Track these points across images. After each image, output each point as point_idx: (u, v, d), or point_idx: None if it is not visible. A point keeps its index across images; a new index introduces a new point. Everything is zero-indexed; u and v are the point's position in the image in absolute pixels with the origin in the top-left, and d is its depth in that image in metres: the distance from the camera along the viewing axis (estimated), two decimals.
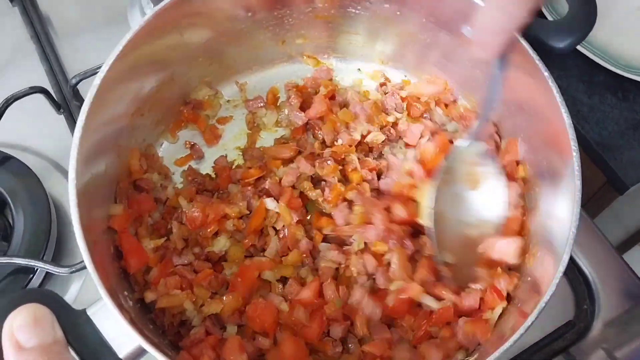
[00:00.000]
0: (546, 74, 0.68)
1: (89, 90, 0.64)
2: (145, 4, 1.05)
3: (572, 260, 0.87)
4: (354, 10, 0.83)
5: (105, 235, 0.68)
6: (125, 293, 0.66)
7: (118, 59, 0.66)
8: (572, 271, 0.86)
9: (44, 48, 1.02)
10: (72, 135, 0.92)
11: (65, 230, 0.89)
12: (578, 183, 0.62)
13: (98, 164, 0.69)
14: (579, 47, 1.12)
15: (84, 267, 0.77)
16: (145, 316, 0.68)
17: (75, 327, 0.54)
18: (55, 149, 0.95)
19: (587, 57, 1.12)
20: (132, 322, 0.55)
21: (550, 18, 1.13)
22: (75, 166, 0.61)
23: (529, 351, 0.79)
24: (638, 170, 1.06)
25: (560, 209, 0.66)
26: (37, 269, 0.81)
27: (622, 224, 1.54)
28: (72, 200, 0.60)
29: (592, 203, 1.20)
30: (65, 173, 0.93)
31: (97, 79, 0.65)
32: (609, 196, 1.15)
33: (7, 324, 0.47)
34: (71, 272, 0.77)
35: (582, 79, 1.14)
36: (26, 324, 0.47)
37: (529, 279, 0.68)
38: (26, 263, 0.78)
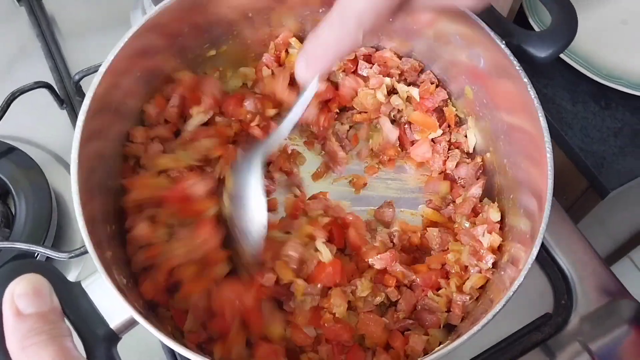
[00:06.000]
0: (525, 80, 0.71)
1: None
2: (147, 6, 1.09)
3: (551, 258, 0.91)
4: None
5: (102, 216, 0.71)
6: (118, 271, 0.68)
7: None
8: (552, 268, 0.90)
9: (49, 46, 1.06)
10: (74, 129, 0.98)
11: (65, 220, 0.93)
12: (550, 182, 0.66)
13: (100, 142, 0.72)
14: (564, 57, 1.17)
15: (83, 253, 0.81)
16: (136, 292, 0.71)
17: (70, 297, 0.56)
18: (58, 143, 0.98)
19: (572, 67, 1.17)
20: (124, 294, 0.58)
21: (537, 29, 1.18)
22: (77, 146, 0.65)
23: (508, 340, 0.82)
24: (619, 175, 1.10)
25: (535, 206, 0.70)
26: (37, 254, 0.84)
27: (608, 232, 1.58)
28: (73, 172, 0.64)
29: (575, 207, 1.24)
30: (66, 166, 0.97)
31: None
32: (592, 201, 1.19)
33: (8, 291, 0.50)
34: (70, 257, 0.81)
35: (567, 88, 1.19)
36: (26, 292, 0.50)
37: (502, 272, 0.72)
38: (27, 248, 0.81)
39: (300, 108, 0.70)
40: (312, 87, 0.66)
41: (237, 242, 0.72)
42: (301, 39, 0.91)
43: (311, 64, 0.59)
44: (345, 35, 0.55)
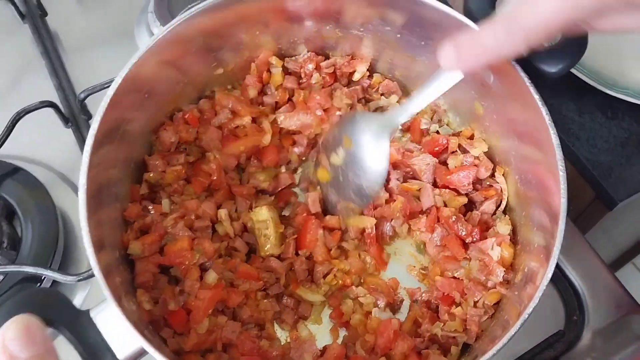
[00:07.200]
0: (537, 96, 0.71)
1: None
2: (152, 22, 1.08)
3: (562, 273, 0.90)
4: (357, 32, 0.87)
5: (111, 241, 0.70)
6: (127, 297, 0.68)
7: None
8: (563, 284, 0.89)
9: (53, 64, 1.06)
10: (80, 148, 0.97)
11: (72, 240, 0.92)
12: (564, 201, 0.65)
13: (108, 167, 0.72)
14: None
15: (90, 276, 0.81)
16: (145, 321, 0.70)
17: (77, 327, 0.56)
18: (63, 162, 0.98)
19: (578, 78, 1.16)
20: (134, 323, 0.57)
21: (545, 44, 1.17)
22: (86, 171, 0.64)
23: (521, 359, 0.82)
24: (626, 186, 1.09)
25: (548, 221, 0.69)
26: (44, 277, 0.83)
27: (612, 240, 1.57)
28: (81, 200, 0.63)
29: (582, 218, 1.23)
30: (72, 185, 0.96)
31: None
32: (599, 212, 1.18)
33: None
34: (78, 281, 0.80)
35: (573, 99, 1.18)
36: (18, 336, 0.48)
37: (516, 292, 0.71)
38: (34, 271, 0.80)
39: (437, 91, 0.71)
40: (456, 75, 0.68)
41: (341, 191, 0.81)
42: (281, 57, 0.90)
43: (463, 58, 0.60)
44: (507, 45, 0.55)
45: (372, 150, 0.79)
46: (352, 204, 0.82)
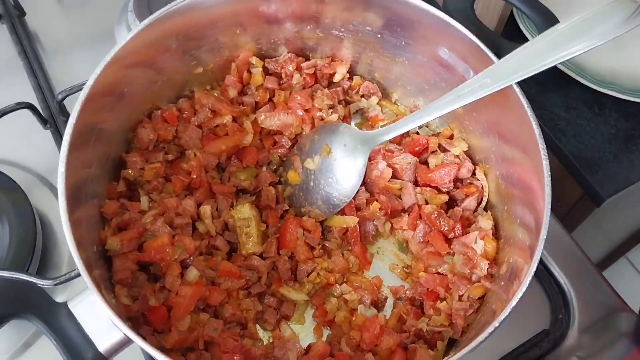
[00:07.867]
0: (520, 94, 0.70)
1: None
2: (132, 22, 1.07)
3: (547, 271, 0.89)
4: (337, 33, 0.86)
5: (90, 239, 0.69)
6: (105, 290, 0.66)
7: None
8: (548, 281, 0.88)
9: (31, 65, 1.04)
10: (59, 149, 0.95)
11: (50, 243, 0.91)
12: (548, 189, 0.65)
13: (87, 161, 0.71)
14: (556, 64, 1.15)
15: (68, 279, 0.79)
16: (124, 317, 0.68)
17: (56, 320, 0.55)
18: (42, 164, 0.96)
19: (565, 74, 1.16)
20: (115, 312, 0.56)
21: (527, 35, 1.17)
22: (65, 161, 0.63)
23: (506, 358, 0.81)
24: (613, 182, 1.08)
25: (532, 217, 0.68)
26: None
27: (604, 235, 1.56)
28: (60, 192, 0.62)
29: (571, 215, 1.22)
30: (51, 187, 0.95)
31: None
32: (588, 208, 1.17)
33: None
34: (55, 284, 0.78)
35: (560, 94, 1.18)
36: None
37: (502, 283, 0.70)
38: (10, 275, 0.78)
39: (424, 119, 0.76)
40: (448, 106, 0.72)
41: (309, 196, 0.83)
42: (261, 57, 0.89)
43: None
44: None
45: (348, 163, 0.81)
46: (318, 210, 0.82)
